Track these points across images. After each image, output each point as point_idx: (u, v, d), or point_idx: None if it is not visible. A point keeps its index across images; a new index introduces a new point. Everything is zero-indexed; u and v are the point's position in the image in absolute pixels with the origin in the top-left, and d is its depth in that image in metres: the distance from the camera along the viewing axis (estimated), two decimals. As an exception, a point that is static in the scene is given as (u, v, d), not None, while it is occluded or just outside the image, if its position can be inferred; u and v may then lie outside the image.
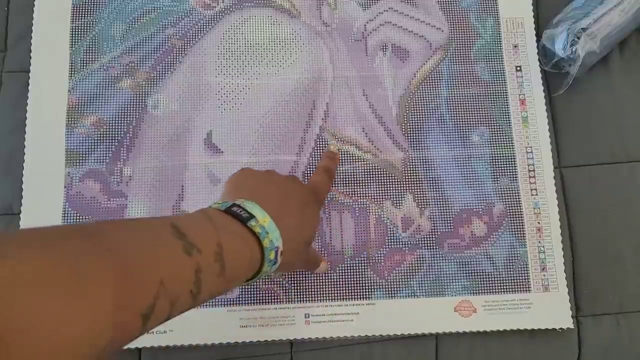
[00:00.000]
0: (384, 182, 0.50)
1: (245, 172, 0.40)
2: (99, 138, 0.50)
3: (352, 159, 0.50)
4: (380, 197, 0.50)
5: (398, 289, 0.48)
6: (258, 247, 0.33)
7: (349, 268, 0.48)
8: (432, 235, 0.49)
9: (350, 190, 0.50)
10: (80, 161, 0.49)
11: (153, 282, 0.25)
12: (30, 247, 0.21)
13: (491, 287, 0.48)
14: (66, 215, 0.48)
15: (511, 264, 0.49)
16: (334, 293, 0.47)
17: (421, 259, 0.48)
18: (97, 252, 0.24)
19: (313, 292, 0.47)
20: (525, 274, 0.48)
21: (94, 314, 0.21)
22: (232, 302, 0.46)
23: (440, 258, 0.48)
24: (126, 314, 0.23)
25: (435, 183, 0.50)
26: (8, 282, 0.19)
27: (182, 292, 0.28)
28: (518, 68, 0.53)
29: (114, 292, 0.23)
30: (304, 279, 0.47)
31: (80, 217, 0.48)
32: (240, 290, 0.47)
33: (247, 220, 0.33)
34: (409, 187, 0.50)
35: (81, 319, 0.21)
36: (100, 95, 0.50)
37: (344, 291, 0.47)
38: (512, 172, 0.50)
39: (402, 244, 0.49)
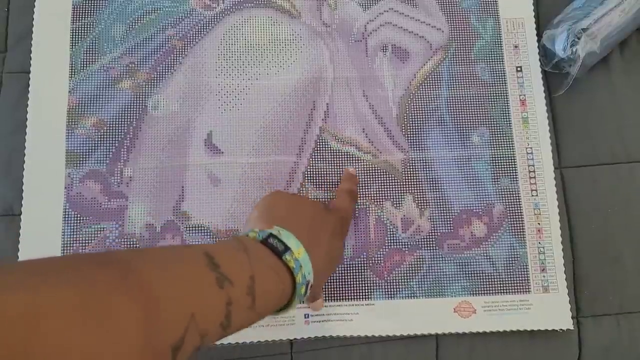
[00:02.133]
0: (384, 182, 0.50)
1: (276, 195, 0.40)
2: (99, 139, 0.50)
3: (352, 160, 0.50)
4: (380, 197, 0.50)
5: (398, 289, 0.48)
6: (290, 281, 0.32)
7: (348, 268, 0.48)
8: (431, 235, 0.49)
9: (350, 190, 0.50)
10: (81, 162, 0.49)
11: (184, 315, 0.25)
12: (53, 278, 0.21)
13: (491, 288, 0.48)
14: (66, 215, 0.48)
15: (511, 264, 0.49)
16: (334, 293, 0.47)
17: (421, 259, 0.48)
18: (127, 289, 0.23)
19: (313, 293, 0.47)
20: (525, 275, 0.48)
21: (123, 349, 0.21)
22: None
23: (440, 259, 0.48)
24: (156, 348, 0.23)
25: (435, 184, 0.50)
26: (36, 315, 0.19)
27: (213, 325, 0.27)
28: (518, 68, 0.53)
29: (144, 329, 0.22)
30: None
31: (81, 218, 0.48)
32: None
33: (283, 254, 0.32)
34: (408, 187, 0.50)
35: (110, 354, 0.21)
36: (101, 96, 0.50)
37: (344, 291, 0.47)
38: (512, 172, 0.50)
39: (402, 245, 0.49)
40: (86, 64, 0.51)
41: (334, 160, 0.50)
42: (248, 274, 0.29)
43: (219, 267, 0.28)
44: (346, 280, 0.48)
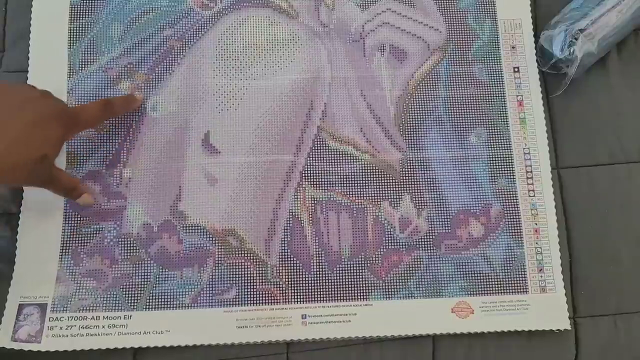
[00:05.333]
0: (381, 182, 0.50)
1: None
2: (99, 140, 0.50)
3: (350, 159, 0.50)
4: (378, 197, 0.50)
5: (395, 289, 0.48)
6: None
7: (346, 269, 0.48)
8: (429, 236, 0.49)
9: (347, 190, 0.50)
10: (80, 162, 0.49)
11: None
12: None
13: (488, 288, 0.48)
14: (66, 216, 0.48)
15: (508, 265, 0.48)
16: (332, 294, 0.47)
17: (418, 259, 0.48)
18: None
19: (310, 293, 0.47)
20: (523, 275, 0.48)
21: None
22: (228, 303, 0.47)
23: (438, 259, 0.48)
24: None
25: (432, 184, 0.50)
26: None
27: None
28: (516, 69, 0.53)
29: None
30: (301, 279, 0.47)
31: (80, 218, 0.48)
32: (237, 290, 0.47)
33: None
34: (406, 187, 0.50)
35: None
36: (100, 97, 0.50)
37: (342, 292, 0.47)
38: (510, 173, 0.50)
39: (400, 245, 0.49)
40: (84, 64, 0.51)
41: (331, 160, 0.50)
42: None
43: None
44: (344, 280, 0.48)
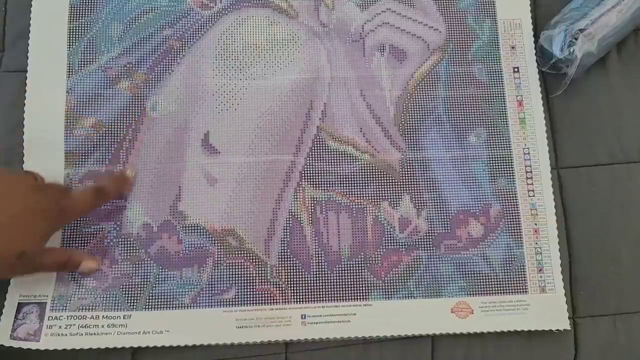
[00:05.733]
0: (381, 182, 0.50)
1: None
2: (98, 140, 0.50)
3: (350, 159, 0.50)
4: (378, 197, 0.50)
5: (395, 289, 0.48)
6: None
7: (346, 269, 0.48)
8: (429, 236, 0.49)
9: (347, 190, 0.50)
10: (80, 162, 0.49)
11: None
12: None
13: (488, 288, 0.48)
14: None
15: (508, 265, 0.48)
16: (331, 294, 0.47)
17: (418, 259, 0.48)
18: None
19: (310, 293, 0.47)
20: (522, 275, 0.48)
21: None
22: (228, 303, 0.47)
23: (437, 259, 0.48)
24: None
25: (432, 184, 0.50)
26: None
27: None
28: (516, 69, 0.53)
29: None
30: (301, 279, 0.47)
31: (80, 218, 0.48)
32: (237, 290, 0.47)
33: None
34: (406, 187, 0.50)
35: None
36: (99, 97, 0.50)
37: (341, 292, 0.47)
38: (510, 173, 0.50)
39: (400, 245, 0.49)
40: (84, 63, 0.51)
41: (331, 160, 0.50)
42: None
43: None
44: (343, 280, 0.48)
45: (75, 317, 0.45)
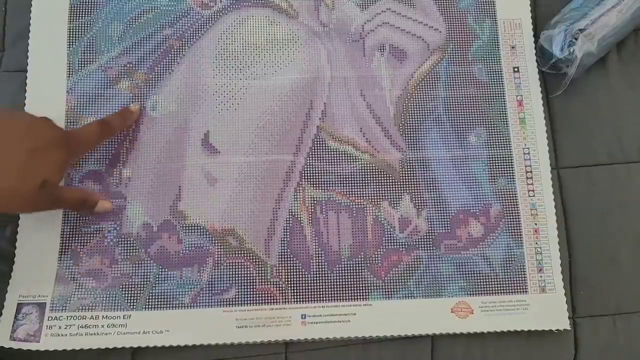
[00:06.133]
0: (381, 182, 0.50)
1: None
2: (98, 139, 0.50)
3: (350, 159, 0.50)
4: (378, 197, 0.50)
5: (395, 289, 0.48)
6: None
7: (346, 269, 0.48)
8: (429, 236, 0.49)
9: (347, 190, 0.50)
10: (80, 162, 0.49)
11: None
12: None
13: (488, 288, 0.48)
14: (66, 215, 0.48)
15: (508, 265, 0.48)
16: (331, 294, 0.47)
17: (418, 259, 0.48)
18: None
19: (310, 293, 0.47)
20: (522, 275, 0.48)
21: None
22: (228, 303, 0.47)
23: (437, 259, 0.48)
24: None
25: (432, 184, 0.50)
26: None
27: None
28: (516, 69, 0.53)
29: None
30: (301, 279, 0.47)
31: (80, 218, 0.48)
32: (237, 290, 0.47)
33: None
34: (406, 187, 0.50)
35: None
36: (99, 97, 0.50)
37: (341, 292, 0.47)
38: (510, 173, 0.50)
39: (400, 245, 0.49)
40: (84, 63, 0.51)
41: (331, 160, 0.50)
42: None
43: None
44: (344, 280, 0.48)
45: (75, 317, 0.45)
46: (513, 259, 0.49)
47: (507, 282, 0.48)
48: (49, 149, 0.40)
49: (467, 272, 0.48)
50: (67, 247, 0.47)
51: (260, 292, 0.47)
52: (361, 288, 0.48)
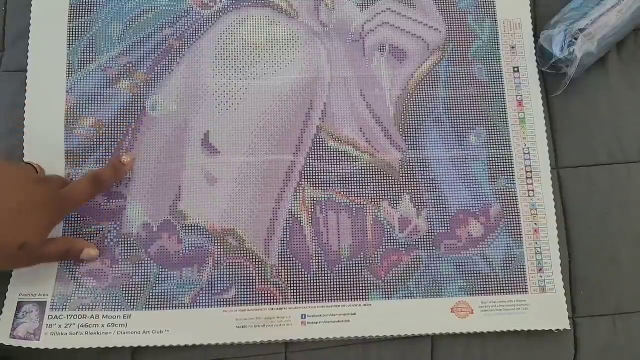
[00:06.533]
0: (381, 182, 0.50)
1: None
2: (98, 140, 0.50)
3: (350, 159, 0.50)
4: (378, 197, 0.50)
5: (395, 289, 0.48)
6: None
7: (346, 269, 0.48)
8: (429, 236, 0.49)
9: (347, 190, 0.50)
10: (80, 162, 0.49)
11: None
12: None
13: (488, 288, 0.48)
14: (66, 216, 0.48)
15: (508, 265, 0.48)
16: (331, 294, 0.47)
17: (418, 259, 0.48)
18: None
19: (310, 293, 0.47)
20: (522, 275, 0.48)
21: None
22: (228, 303, 0.47)
23: (437, 259, 0.48)
24: None
25: (432, 184, 0.50)
26: None
27: None
28: (516, 69, 0.53)
29: None
30: (301, 279, 0.47)
31: (80, 218, 0.48)
32: (237, 290, 0.47)
33: None
34: (406, 187, 0.50)
35: None
36: (99, 96, 0.50)
37: (341, 292, 0.47)
38: (510, 173, 0.50)
39: (399, 245, 0.49)
40: (84, 63, 0.51)
41: (331, 160, 0.50)
42: None
43: None
44: (344, 280, 0.48)
45: (75, 317, 0.46)
46: (513, 259, 0.49)
47: (507, 282, 0.48)
48: (36, 210, 0.40)
49: (467, 272, 0.48)
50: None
51: (260, 292, 0.47)
52: (361, 288, 0.48)
